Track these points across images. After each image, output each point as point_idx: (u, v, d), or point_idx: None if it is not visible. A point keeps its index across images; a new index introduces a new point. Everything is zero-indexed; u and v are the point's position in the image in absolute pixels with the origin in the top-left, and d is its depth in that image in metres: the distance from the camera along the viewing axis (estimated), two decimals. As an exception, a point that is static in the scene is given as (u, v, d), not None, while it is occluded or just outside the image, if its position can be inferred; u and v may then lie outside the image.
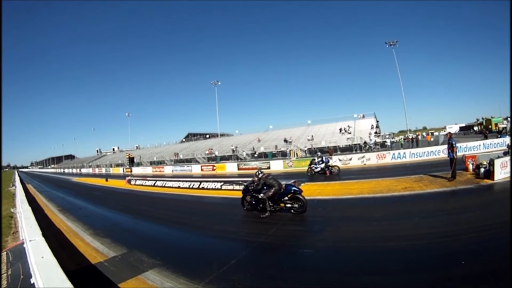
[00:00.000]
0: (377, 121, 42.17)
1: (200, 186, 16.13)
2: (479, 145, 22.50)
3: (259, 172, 8.79)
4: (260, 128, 57.20)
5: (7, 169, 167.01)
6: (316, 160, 18.17)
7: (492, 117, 46.75)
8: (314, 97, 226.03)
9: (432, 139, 37.56)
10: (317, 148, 34.26)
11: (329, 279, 4.31)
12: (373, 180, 12.79)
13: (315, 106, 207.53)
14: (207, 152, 49.46)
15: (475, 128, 53.45)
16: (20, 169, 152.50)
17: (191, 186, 16.77)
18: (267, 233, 6.78)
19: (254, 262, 5.26)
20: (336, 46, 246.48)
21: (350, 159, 24.61)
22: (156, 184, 19.76)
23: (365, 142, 32.88)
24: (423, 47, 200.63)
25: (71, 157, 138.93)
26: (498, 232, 5.13)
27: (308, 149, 35.99)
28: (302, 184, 12.27)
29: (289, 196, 8.24)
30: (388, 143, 32.61)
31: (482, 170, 10.54)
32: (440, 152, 21.71)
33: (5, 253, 4.31)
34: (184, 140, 74.97)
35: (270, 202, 8.36)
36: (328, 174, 17.04)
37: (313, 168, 18.03)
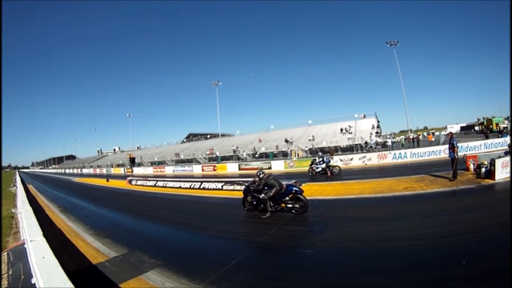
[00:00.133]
0: (378, 121, 42.08)
1: (201, 187, 16.13)
2: (480, 145, 22.48)
3: (260, 173, 8.79)
4: (261, 128, 57.45)
5: (8, 170, 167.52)
6: (317, 160, 18.18)
7: (493, 117, 46.68)
8: (315, 97, 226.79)
9: (433, 139, 37.50)
10: (318, 148, 34.23)
11: (330, 279, 4.30)
12: (374, 180, 12.77)
13: (316, 106, 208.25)
14: (208, 152, 49.48)
15: (476, 128, 53.39)
16: (21, 170, 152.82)
17: (192, 187, 16.78)
18: (268, 233, 6.77)
19: (255, 262, 5.26)
20: (337, 46, 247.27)
21: (351, 159, 24.59)
22: (157, 185, 19.76)
23: (366, 142, 32.85)
24: (423, 47, 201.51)
25: (72, 157, 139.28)
26: (499, 232, 5.11)
27: (309, 149, 35.96)
28: (303, 184, 12.26)
29: (290, 196, 8.24)
30: (389, 143, 32.55)
31: (483, 170, 10.53)
32: (441, 152, 21.67)
33: (6, 253, 4.32)
34: (185, 140, 74.93)
35: (271, 203, 8.36)
36: (329, 174, 17.03)
37: (314, 168, 18.03)
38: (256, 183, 8.72)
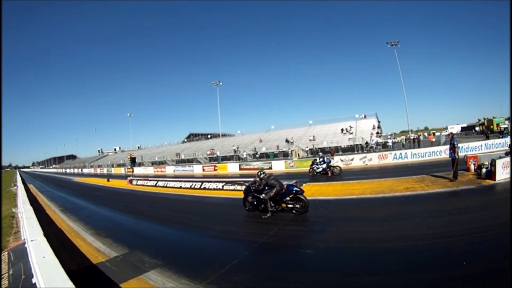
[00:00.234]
0: (379, 121, 42.09)
1: (202, 187, 16.13)
2: (481, 146, 22.48)
3: (261, 173, 8.79)
4: (262, 128, 57.40)
5: (8, 169, 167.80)
6: (318, 161, 18.18)
7: (493, 117, 46.67)
8: (315, 98, 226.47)
9: (434, 139, 37.48)
10: (318, 148, 34.21)
11: (330, 279, 4.30)
12: (374, 180, 12.76)
13: (316, 106, 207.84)
14: (208, 152, 49.50)
15: (477, 129, 53.37)
16: (21, 169, 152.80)
17: (192, 186, 16.78)
18: (269, 233, 6.77)
19: (255, 262, 5.26)
20: (337, 46, 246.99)
21: (352, 160, 24.57)
22: (157, 184, 19.76)
23: (366, 143, 32.84)
24: (424, 47, 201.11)
25: (72, 157, 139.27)
26: (500, 232, 5.11)
27: (309, 149, 35.95)
28: (304, 185, 12.26)
29: (290, 196, 8.24)
30: (390, 144, 32.54)
31: (483, 170, 10.53)
32: (441, 153, 21.65)
33: (6, 252, 4.32)
34: (185, 140, 74.95)
35: (271, 203, 8.36)
36: (330, 175, 17.02)
37: (315, 168, 18.03)
38: (257, 183, 8.72)
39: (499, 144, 22.28)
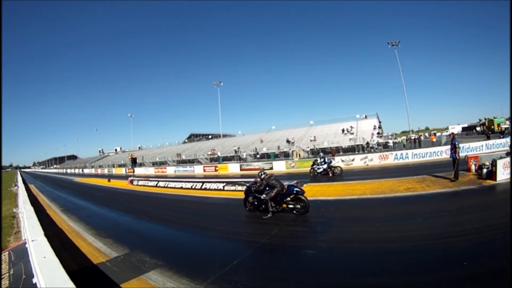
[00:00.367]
0: (380, 122, 42.02)
1: (203, 187, 16.14)
2: (482, 146, 22.44)
3: (262, 173, 8.79)
4: (263, 128, 57.23)
5: (9, 169, 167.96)
6: (319, 161, 18.17)
7: (494, 118, 46.56)
8: (316, 98, 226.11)
9: (435, 140, 37.44)
10: (319, 148, 34.15)
11: (331, 280, 4.29)
12: (375, 180, 12.75)
13: (317, 106, 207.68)
14: (209, 152, 49.49)
15: (478, 129, 53.24)
16: (22, 169, 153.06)
17: (193, 187, 16.79)
18: (270, 233, 6.77)
19: (256, 262, 5.25)
20: (338, 47, 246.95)
21: (353, 160, 24.56)
22: (158, 185, 19.78)
23: (367, 143, 32.79)
24: (425, 47, 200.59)
25: (73, 157, 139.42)
26: (501, 232, 5.10)
27: (310, 149, 35.92)
28: (305, 185, 12.26)
29: (291, 196, 8.23)
30: (391, 144, 32.49)
31: (484, 170, 10.51)
32: (442, 153, 21.62)
33: (7, 252, 4.33)
34: (186, 140, 74.94)
35: (272, 203, 8.35)
36: (331, 175, 17.01)
37: (316, 168, 18.03)
38: (258, 184, 8.71)
39: (500, 144, 22.23)
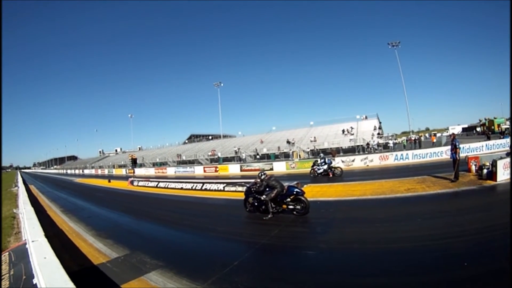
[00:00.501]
0: (380, 122, 41.96)
1: (203, 188, 16.14)
2: (482, 146, 22.41)
3: (262, 174, 8.78)
4: (263, 129, 57.36)
5: (9, 170, 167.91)
6: (319, 162, 18.17)
7: (495, 118, 46.58)
8: (316, 99, 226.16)
9: (435, 140, 37.43)
10: (319, 149, 34.14)
11: (332, 280, 4.29)
12: (376, 181, 12.75)
13: (317, 107, 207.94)
14: (209, 153, 49.49)
15: (478, 129, 53.25)
16: (22, 170, 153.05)
17: (193, 188, 16.79)
18: (270, 234, 6.76)
19: (256, 263, 5.26)
20: (339, 47, 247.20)
21: (353, 161, 24.54)
22: (158, 186, 19.77)
23: (367, 144, 32.79)
24: (425, 47, 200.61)
25: (73, 158, 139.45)
26: (501, 233, 5.09)
27: (310, 150, 35.92)
28: (305, 186, 12.25)
29: (291, 197, 8.22)
30: (391, 144, 32.48)
31: (484, 171, 10.51)
32: (443, 153, 21.61)
33: (7, 253, 4.33)
34: (186, 141, 74.93)
35: (272, 204, 8.34)
36: (331, 176, 16.99)
37: (316, 169, 18.03)
38: (258, 184, 8.70)
39: (500, 145, 22.21)
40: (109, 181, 29.53)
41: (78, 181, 38.29)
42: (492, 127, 44.11)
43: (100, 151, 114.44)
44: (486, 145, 22.56)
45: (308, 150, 36.28)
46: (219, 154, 47.36)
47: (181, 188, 17.53)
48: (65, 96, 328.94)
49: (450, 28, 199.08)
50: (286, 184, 8.68)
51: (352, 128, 39.59)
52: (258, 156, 40.91)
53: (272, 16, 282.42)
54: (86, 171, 77.14)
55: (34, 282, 2.91)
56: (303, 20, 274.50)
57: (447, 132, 63.38)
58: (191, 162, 49.00)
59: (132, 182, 23.57)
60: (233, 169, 32.64)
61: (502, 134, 34.06)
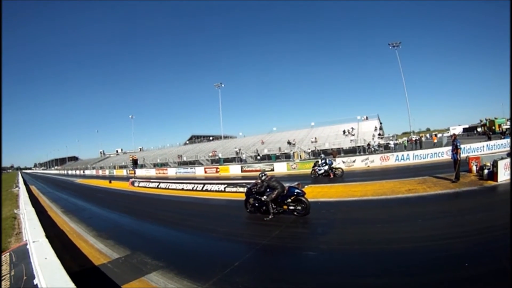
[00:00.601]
0: (381, 123, 41.90)
1: (204, 188, 16.13)
2: (483, 147, 22.38)
3: (262, 174, 8.78)
4: (264, 130, 57.10)
5: (10, 170, 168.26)
6: (320, 162, 18.16)
7: (495, 118, 46.59)
8: (317, 99, 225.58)
9: (436, 140, 37.40)
10: (320, 150, 34.13)
11: (332, 281, 4.29)
12: (376, 182, 12.73)
13: (318, 108, 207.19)
14: (210, 154, 49.47)
15: (479, 129, 53.25)
16: (23, 170, 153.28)
17: (194, 188, 16.79)
18: (271, 235, 6.76)
19: (257, 264, 5.26)
20: (339, 48, 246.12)
21: (354, 161, 24.52)
22: (159, 186, 19.80)
23: (368, 144, 32.75)
24: (425, 48, 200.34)
25: (74, 158, 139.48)
26: (502, 233, 5.08)
27: (311, 151, 35.88)
28: (306, 186, 12.24)
29: (292, 198, 8.21)
30: (392, 145, 32.44)
31: (485, 171, 10.49)
32: (443, 154, 21.57)
33: (8, 253, 4.34)
34: (187, 142, 75.00)
35: (273, 205, 8.34)
36: (332, 176, 16.99)
37: (317, 170, 18.02)
38: (258, 185, 8.71)
39: (501, 145, 22.16)
40: (110, 182, 29.56)
41: (79, 182, 38.32)
42: (493, 128, 44.12)
43: (101, 152, 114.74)
44: (487, 146, 22.52)
45: (309, 150, 36.25)
46: (220, 155, 47.35)
47: (182, 189, 17.54)
48: (66, 96, 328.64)
49: (451, 29, 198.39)
50: (287, 184, 8.68)
51: (353, 128, 39.55)
52: (259, 157, 40.89)
53: (272, 17, 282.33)
54: (87, 172, 77.17)
55: (35, 283, 2.91)
56: (304, 20, 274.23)
57: (448, 132, 63.28)
58: (192, 163, 48.99)
59: (133, 183, 23.58)
60: (234, 169, 32.63)
61: (503, 135, 34.04)
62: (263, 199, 8.46)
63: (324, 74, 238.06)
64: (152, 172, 46.65)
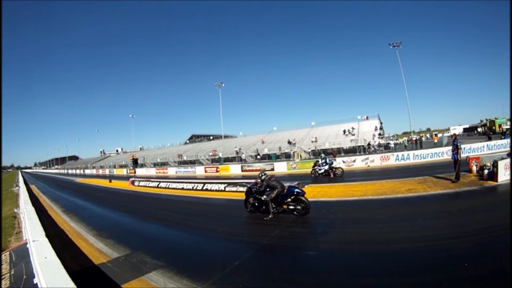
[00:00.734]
0: (381, 123, 41.90)
1: (204, 188, 16.14)
2: (483, 147, 22.37)
3: (262, 174, 8.78)
4: (264, 129, 56.87)
5: (10, 170, 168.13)
6: (320, 162, 18.15)
7: (496, 118, 46.57)
8: (317, 99, 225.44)
9: (437, 140, 37.39)
10: (320, 149, 34.13)
11: (332, 280, 4.29)
12: (376, 182, 12.73)
13: (318, 107, 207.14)
14: (210, 153, 49.48)
15: (479, 129, 53.22)
16: (23, 170, 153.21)
17: (194, 188, 16.80)
18: (271, 234, 6.76)
19: (257, 263, 5.26)
20: (340, 48, 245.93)
21: (354, 161, 24.51)
22: (159, 186, 19.80)
23: (368, 144, 32.74)
24: (426, 48, 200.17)
25: (74, 158, 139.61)
26: (502, 234, 5.07)
27: (311, 150, 35.87)
28: (306, 186, 12.25)
29: (292, 198, 8.21)
30: (392, 145, 32.43)
31: (485, 171, 10.48)
32: (444, 154, 21.55)
33: (8, 253, 4.34)
34: (188, 141, 74.99)
35: (273, 204, 8.34)
36: (332, 176, 16.99)
37: (317, 169, 18.01)
38: (258, 185, 8.70)
39: (501, 145, 22.14)
40: (110, 181, 29.57)
41: (79, 181, 38.34)
42: (493, 128, 44.10)
43: (101, 151, 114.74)
44: (487, 146, 22.51)
45: (309, 150, 36.24)
46: (220, 155, 47.36)
47: (182, 188, 17.54)
48: (66, 96, 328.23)
49: (451, 29, 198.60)
50: (286, 184, 8.68)
51: (353, 128, 39.55)
52: (259, 157, 40.88)
53: (273, 17, 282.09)
54: (87, 171, 77.18)
55: (35, 282, 2.91)
56: (304, 20, 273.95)
57: (448, 132, 63.30)
58: (192, 162, 48.97)
59: (133, 182, 23.59)
60: (234, 169, 32.64)
61: (503, 135, 34.02)
62: (263, 198, 8.45)
63: (324, 74, 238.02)
64: (152, 171, 46.68)
